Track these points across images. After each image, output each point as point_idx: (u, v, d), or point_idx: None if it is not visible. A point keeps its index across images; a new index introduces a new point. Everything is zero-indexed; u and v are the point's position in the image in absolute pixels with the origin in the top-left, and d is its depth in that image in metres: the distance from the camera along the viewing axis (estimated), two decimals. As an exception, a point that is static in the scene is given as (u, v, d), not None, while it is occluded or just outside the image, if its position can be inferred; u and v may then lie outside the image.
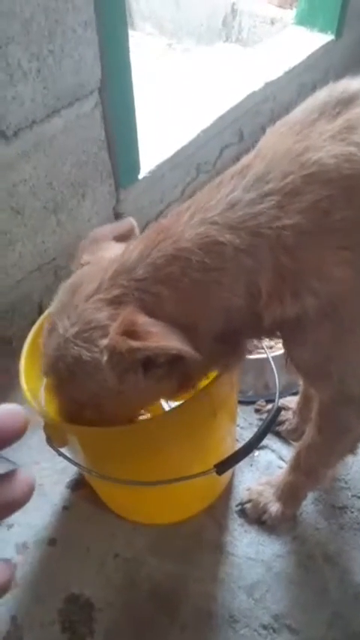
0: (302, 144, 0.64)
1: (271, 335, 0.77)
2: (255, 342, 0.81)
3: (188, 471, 0.90)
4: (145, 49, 2.39)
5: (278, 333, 0.75)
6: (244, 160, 0.68)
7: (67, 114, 1.21)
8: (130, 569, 1.09)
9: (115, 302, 0.67)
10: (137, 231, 0.83)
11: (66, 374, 0.70)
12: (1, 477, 0.32)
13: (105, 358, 0.65)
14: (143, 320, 0.64)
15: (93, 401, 0.72)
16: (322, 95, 0.68)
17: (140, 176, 1.53)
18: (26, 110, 1.11)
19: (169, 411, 0.84)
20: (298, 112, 0.69)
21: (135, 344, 0.62)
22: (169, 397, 0.82)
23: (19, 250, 1.28)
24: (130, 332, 0.63)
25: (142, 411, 0.95)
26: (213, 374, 0.83)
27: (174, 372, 0.68)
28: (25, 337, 0.93)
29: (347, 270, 0.64)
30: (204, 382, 0.82)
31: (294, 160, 0.64)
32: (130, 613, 1.04)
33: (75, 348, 0.67)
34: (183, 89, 1.93)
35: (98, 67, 1.23)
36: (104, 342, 0.65)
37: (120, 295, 0.67)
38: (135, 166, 1.51)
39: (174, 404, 0.96)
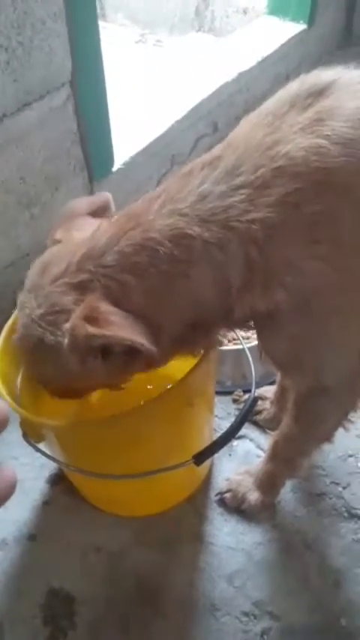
0: (273, 136, 0.64)
1: (242, 327, 0.78)
2: (226, 331, 0.82)
3: (167, 462, 0.91)
4: (117, 40, 2.37)
5: (251, 324, 0.76)
6: (215, 150, 0.68)
7: (38, 107, 1.19)
8: (112, 562, 1.09)
9: (81, 287, 0.67)
10: (112, 205, 0.83)
11: (31, 352, 0.73)
12: None
13: (66, 342, 0.65)
14: (105, 308, 0.65)
15: (57, 377, 0.74)
16: (294, 87, 0.68)
17: (114, 168, 1.52)
18: (-4, 103, 1.10)
19: (145, 403, 0.84)
20: (270, 104, 0.69)
21: (92, 331, 0.63)
22: (137, 374, 0.84)
23: (-8, 244, 1.27)
24: (91, 318, 0.63)
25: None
26: (190, 363, 0.83)
27: (134, 359, 0.68)
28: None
29: (317, 264, 0.65)
30: (180, 373, 0.82)
31: (264, 152, 0.64)
32: (113, 605, 1.04)
33: (39, 329, 0.68)
34: (156, 80, 1.92)
35: (69, 59, 1.22)
36: (67, 325, 0.65)
37: (86, 280, 0.67)
38: (109, 158, 1.50)
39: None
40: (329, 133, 0.62)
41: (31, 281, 0.72)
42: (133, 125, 1.65)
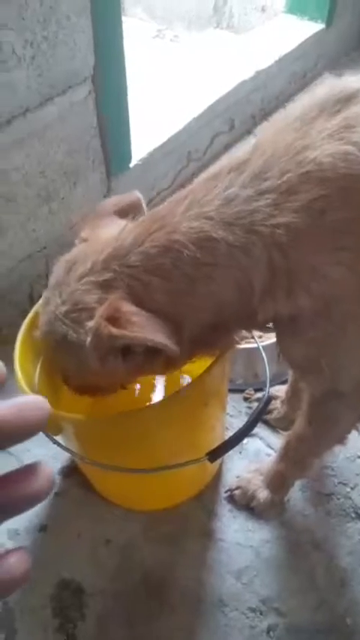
0: (301, 142, 0.65)
1: (262, 329, 0.79)
2: (245, 333, 0.83)
3: (180, 458, 0.92)
4: (134, 35, 2.37)
5: (269, 326, 0.76)
6: (242, 154, 0.69)
7: (60, 101, 1.20)
8: (121, 555, 1.10)
9: (105, 286, 0.68)
10: (144, 204, 0.83)
11: (54, 348, 0.74)
12: (23, 470, 0.32)
13: (88, 340, 0.66)
14: (127, 308, 0.65)
15: (79, 374, 0.75)
16: (322, 92, 0.69)
17: (132, 164, 1.53)
18: (20, 98, 1.10)
19: (161, 401, 0.85)
20: (297, 108, 0.69)
21: (114, 331, 0.64)
22: (154, 375, 0.85)
23: (11, 238, 1.28)
24: (114, 318, 0.64)
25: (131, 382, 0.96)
26: (206, 362, 0.84)
27: (154, 359, 0.69)
28: (15, 326, 0.93)
29: (342, 271, 0.65)
30: (197, 371, 0.83)
31: (292, 158, 0.64)
32: (121, 598, 1.06)
33: (63, 326, 0.69)
34: (173, 76, 1.92)
35: (92, 54, 1.22)
36: (90, 324, 0.66)
37: (111, 279, 0.68)
38: (127, 154, 1.51)
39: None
40: (358, 140, 0.63)
41: (56, 278, 0.73)
42: (151, 121, 1.66)
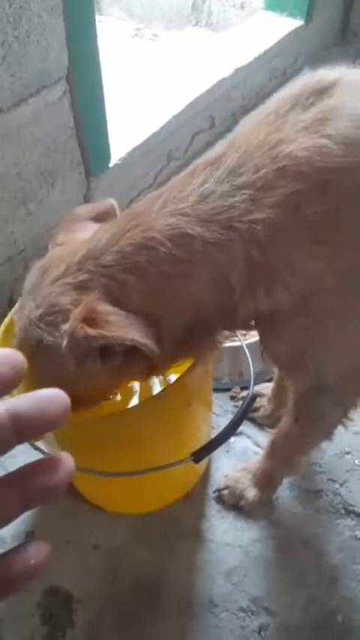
0: (275, 135, 0.64)
1: (244, 327, 0.77)
2: (227, 333, 0.81)
3: (165, 460, 0.90)
4: (113, 35, 2.36)
5: (252, 323, 0.75)
6: (218, 150, 0.68)
7: (34, 102, 1.18)
8: (110, 560, 1.09)
9: (81, 287, 0.66)
10: (117, 211, 0.82)
11: (30, 355, 0.71)
12: (45, 461, 0.32)
13: (64, 343, 0.65)
14: (103, 308, 0.64)
15: (56, 382, 0.73)
16: (297, 86, 0.67)
17: (111, 164, 1.52)
18: (-8, 98, 1.09)
19: (143, 402, 0.84)
20: (272, 103, 0.68)
21: (91, 332, 0.62)
22: (136, 380, 0.82)
23: (-12, 240, 1.26)
24: (90, 319, 0.63)
25: (113, 391, 0.94)
26: (188, 362, 0.83)
27: (134, 361, 0.67)
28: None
29: (319, 265, 0.64)
30: (179, 371, 0.82)
31: (266, 152, 0.63)
32: (111, 603, 1.04)
33: (38, 330, 0.68)
34: (153, 75, 1.91)
35: (65, 53, 1.21)
36: (65, 326, 0.65)
37: (86, 280, 0.66)
38: (105, 154, 1.50)
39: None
40: (332, 133, 0.62)
41: (30, 283, 0.72)
42: (130, 121, 1.64)
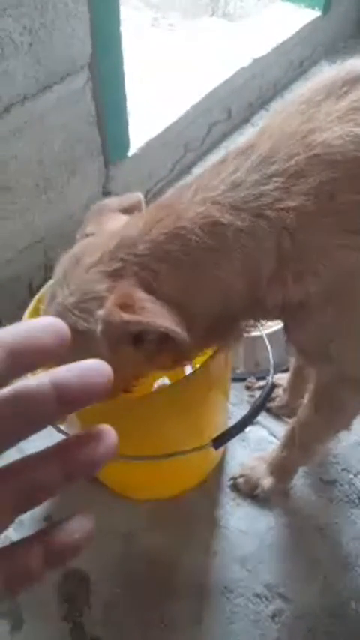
0: (308, 125, 0.64)
1: (271, 317, 0.78)
2: (253, 322, 0.82)
3: (184, 446, 0.92)
4: (131, 24, 2.35)
5: (277, 313, 0.76)
6: (249, 139, 0.68)
7: (58, 89, 1.19)
8: (126, 544, 1.11)
9: (115, 275, 0.67)
10: (144, 206, 0.83)
11: None
12: (87, 434, 0.32)
13: (99, 328, 0.65)
14: (139, 295, 0.65)
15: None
16: (330, 75, 0.68)
17: (129, 153, 1.52)
18: (18, 85, 1.09)
19: (167, 387, 0.85)
20: (305, 92, 0.69)
21: (127, 317, 0.63)
22: (163, 370, 0.83)
23: (9, 229, 1.27)
24: (125, 305, 0.64)
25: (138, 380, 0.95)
26: (209, 352, 0.84)
27: (165, 349, 0.68)
28: (14, 318, 0.92)
29: (351, 254, 0.65)
30: (201, 358, 0.83)
31: (299, 141, 0.64)
32: (127, 586, 1.06)
33: (72, 317, 0.68)
34: (170, 65, 1.91)
35: (89, 41, 1.21)
36: (100, 312, 0.65)
37: (119, 269, 0.67)
38: (124, 143, 1.50)
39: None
40: None
41: (62, 271, 0.73)
42: (148, 110, 1.65)
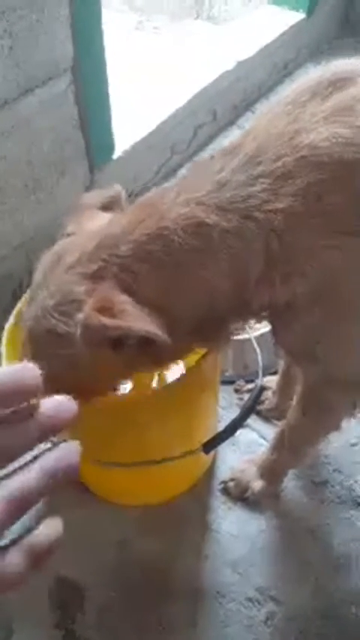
0: (294, 125, 0.64)
1: (257, 318, 0.78)
2: (240, 324, 0.82)
3: (173, 451, 0.91)
4: (114, 27, 2.34)
5: (264, 314, 0.75)
6: (235, 140, 0.68)
7: (40, 93, 1.18)
8: (117, 550, 1.10)
9: (95, 277, 0.66)
10: (124, 200, 0.81)
11: (42, 344, 0.70)
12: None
13: (79, 332, 0.64)
14: (119, 298, 0.64)
15: (67, 372, 0.71)
16: (314, 76, 0.68)
17: (115, 156, 1.51)
18: (-1, 89, 1.08)
19: (160, 389, 0.84)
20: (290, 93, 0.68)
21: (106, 322, 0.62)
22: (147, 371, 0.82)
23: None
24: (104, 309, 0.63)
25: (121, 382, 0.94)
26: (202, 350, 0.82)
27: (146, 352, 0.67)
28: (3, 319, 0.92)
29: (338, 256, 0.64)
30: (194, 358, 0.82)
31: (286, 142, 0.63)
32: (121, 592, 1.05)
33: (51, 320, 0.67)
34: (155, 68, 1.90)
35: (70, 44, 1.20)
36: (79, 316, 0.64)
37: (100, 270, 0.66)
38: (109, 146, 1.49)
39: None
40: (352, 123, 0.62)
41: (42, 272, 0.72)
42: (133, 114, 1.64)
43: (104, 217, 0.75)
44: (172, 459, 0.89)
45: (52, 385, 0.69)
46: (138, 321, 0.63)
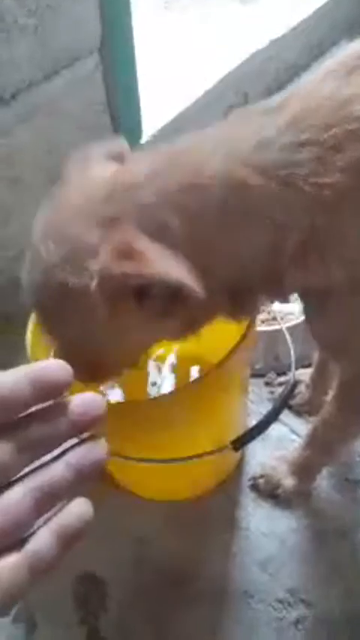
0: (344, 91, 0.57)
1: (286, 298, 0.71)
2: (268, 300, 0.74)
3: (202, 447, 0.88)
4: (142, 7, 2.28)
5: (292, 294, 0.70)
6: (277, 98, 0.60)
7: (66, 75, 1.14)
8: (143, 546, 1.07)
9: (110, 221, 0.57)
10: (129, 157, 0.71)
11: (51, 305, 0.62)
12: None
13: (94, 283, 0.56)
14: (143, 242, 0.55)
15: (84, 339, 0.63)
16: None
17: (143, 140, 1.47)
18: (23, 71, 1.05)
19: (185, 386, 0.81)
20: (340, 57, 0.61)
21: (130, 268, 0.53)
22: (171, 338, 0.72)
23: (18, 223, 1.23)
24: (126, 253, 0.54)
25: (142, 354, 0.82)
26: (228, 346, 0.78)
27: (174, 311, 0.59)
28: (24, 314, 0.89)
29: None
30: (220, 354, 0.78)
31: (336, 111, 0.57)
32: (144, 590, 1.03)
33: (60, 273, 0.58)
34: (182, 49, 1.85)
35: (98, 24, 1.16)
36: (94, 265, 0.56)
37: (116, 215, 0.57)
38: (137, 130, 1.45)
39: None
40: None
41: (44, 225, 0.62)
42: (161, 96, 1.59)
43: (113, 167, 0.65)
44: (201, 456, 0.86)
45: (67, 358, 0.59)
46: (168, 268, 0.54)
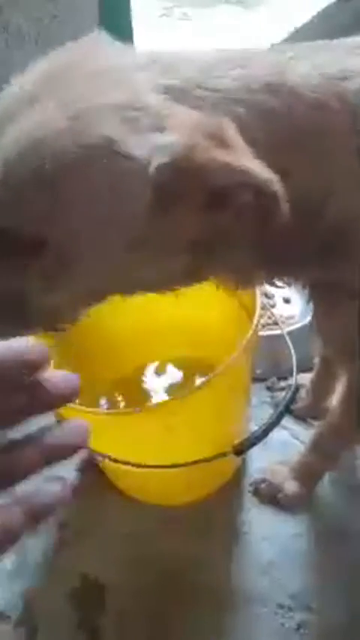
0: None
1: (297, 277, 0.66)
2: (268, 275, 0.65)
3: (202, 453, 0.88)
4: (142, 14, 2.30)
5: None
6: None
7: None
8: (142, 551, 1.07)
9: (174, 92, 0.45)
10: None
11: (73, 183, 0.43)
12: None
13: (160, 163, 0.41)
14: (234, 134, 0.43)
15: (102, 236, 0.46)
16: None
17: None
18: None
19: (186, 392, 0.81)
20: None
21: (230, 158, 0.41)
22: (163, 281, 0.57)
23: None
24: (217, 139, 0.42)
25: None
26: (232, 350, 0.78)
27: (243, 234, 0.49)
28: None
29: None
30: (224, 359, 0.78)
31: None
32: (142, 594, 1.02)
33: (108, 127, 0.42)
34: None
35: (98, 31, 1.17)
36: (166, 137, 0.42)
37: (180, 89, 0.45)
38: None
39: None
40: None
41: (54, 82, 0.49)
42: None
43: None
44: (202, 462, 0.86)
45: (68, 271, 0.47)
46: (267, 173, 0.43)
